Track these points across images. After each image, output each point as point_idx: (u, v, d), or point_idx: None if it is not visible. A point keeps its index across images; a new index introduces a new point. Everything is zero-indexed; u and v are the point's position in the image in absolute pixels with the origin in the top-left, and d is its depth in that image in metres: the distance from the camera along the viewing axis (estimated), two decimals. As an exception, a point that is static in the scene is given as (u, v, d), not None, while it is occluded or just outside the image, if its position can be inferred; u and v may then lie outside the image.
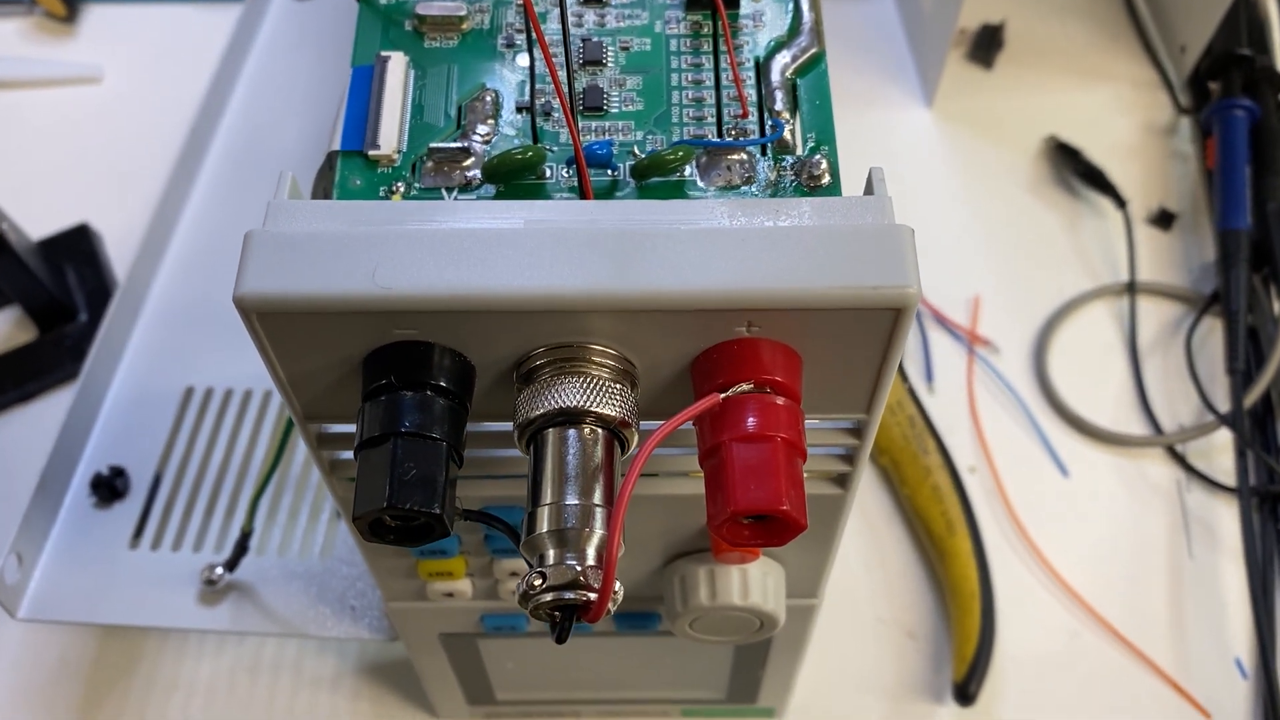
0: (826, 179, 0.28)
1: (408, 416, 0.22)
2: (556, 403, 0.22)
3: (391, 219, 0.23)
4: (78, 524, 0.41)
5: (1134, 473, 0.49)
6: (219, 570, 0.39)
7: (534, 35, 0.29)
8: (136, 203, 0.53)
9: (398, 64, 0.30)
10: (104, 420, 0.43)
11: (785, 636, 0.36)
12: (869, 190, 0.24)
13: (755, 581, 0.31)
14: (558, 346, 0.23)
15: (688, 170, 0.28)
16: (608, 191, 0.28)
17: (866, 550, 0.47)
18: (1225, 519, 0.48)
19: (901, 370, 0.49)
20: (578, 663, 0.39)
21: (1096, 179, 0.55)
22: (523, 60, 0.30)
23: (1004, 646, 0.44)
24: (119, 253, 0.54)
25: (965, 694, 0.42)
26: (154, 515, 0.41)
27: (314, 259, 0.22)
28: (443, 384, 0.23)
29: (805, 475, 0.27)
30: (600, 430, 0.23)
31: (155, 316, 0.46)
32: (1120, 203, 0.54)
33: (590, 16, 0.31)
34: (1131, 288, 0.53)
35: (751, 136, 0.29)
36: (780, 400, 0.23)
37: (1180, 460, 0.49)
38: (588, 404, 0.22)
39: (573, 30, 0.31)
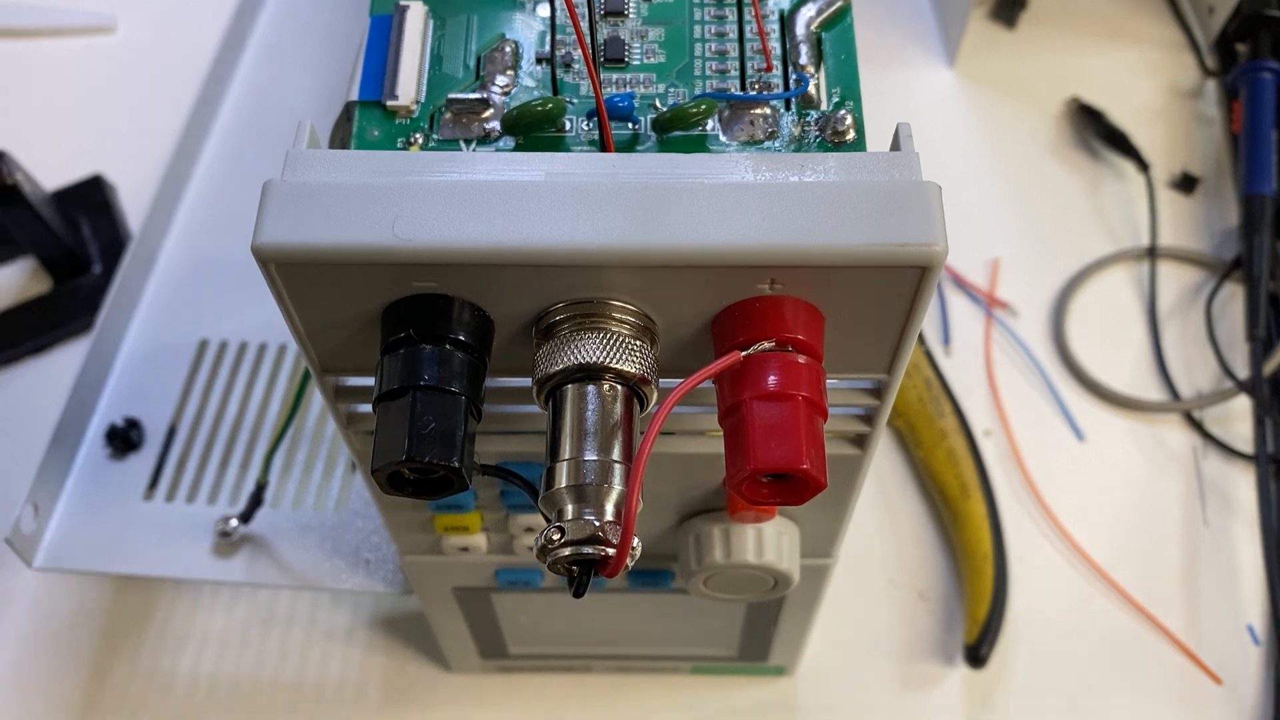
0: (851, 135, 0.28)
1: (427, 370, 0.22)
2: (576, 358, 0.22)
3: (411, 169, 0.23)
4: (93, 475, 0.41)
5: (1150, 438, 0.48)
6: (234, 522, 0.39)
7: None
8: (150, 154, 0.52)
9: (416, 13, 0.30)
10: (118, 372, 0.43)
11: (798, 596, 0.36)
12: (895, 146, 0.24)
13: (770, 540, 0.31)
14: (578, 302, 0.23)
15: (710, 124, 0.28)
16: (629, 144, 0.28)
17: (879, 512, 0.47)
18: (1241, 486, 0.47)
19: (919, 334, 0.49)
20: (590, 618, 0.39)
21: (1119, 142, 0.54)
22: (543, 10, 0.30)
23: (1016, 610, 0.44)
24: (133, 204, 0.54)
25: (976, 656, 0.42)
26: (168, 467, 0.41)
27: (333, 209, 0.22)
28: (462, 338, 0.23)
29: (825, 434, 0.27)
30: (619, 387, 0.23)
31: (169, 269, 0.46)
32: (1143, 166, 0.54)
33: (612, -33, 0.31)
34: (1152, 252, 0.52)
35: (775, 91, 0.28)
36: (802, 359, 0.22)
37: (1197, 426, 0.48)
38: (607, 360, 0.22)
39: (594, -20, 0.30)
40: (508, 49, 0.29)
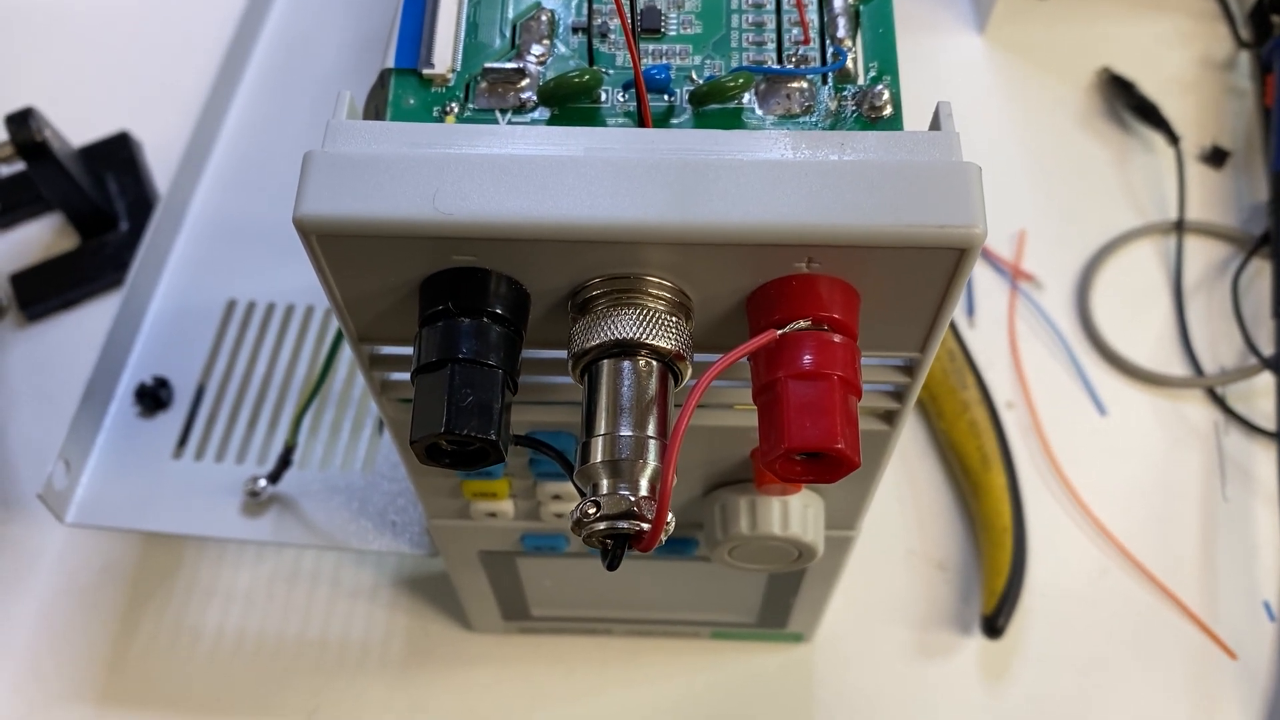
0: (888, 110, 0.28)
1: (465, 343, 0.22)
2: (612, 334, 0.22)
3: (451, 142, 0.23)
4: (123, 433, 0.41)
5: (1172, 413, 0.49)
6: (262, 482, 0.39)
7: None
8: (177, 111, 0.52)
9: (452, -20, 0.29)
10: (147, 331, 0.44)
11: (819, 567, 0.36)
12: (935, 125, 0.24)
13: (795, 512, 0.31)
14: (614, 278, 0.23)
15: (746, 98, 0.28)
16: (664, 117, 0.28)
17: (900, 482, 0.48)
18: (1262, 463, 0.47)
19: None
20: (613, 583, 0.40)
21: (1149, 113, 0.54)
22: (580, -22, 0.30)
23: (1033, 582, 0.45)
24: (159, 162, 0.54)
25: (993, 627, 0.43)
26: (197, 426, 0.42)
27: (374, 181, 0.22)
28: (499, 311, 0.23)
29: (860, 408, 0.27)
30: (655, 362, 0.23)
31: (197, 229, 0.46)
32: (1173, 139, 0.53)
33: (649, -64, 0.30)
34: (1180, 226, 0.52)
35: (812, 64, 0.28)
36: (837, 338, 0.22)
37: (1219, 402, 0.48)
38: (643, 336, 0.22)
39: (631, -51, 0.30)
40: (544, 18, 0.29)
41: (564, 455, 0.26)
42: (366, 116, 0.30)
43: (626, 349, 0.23)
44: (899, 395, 0.27)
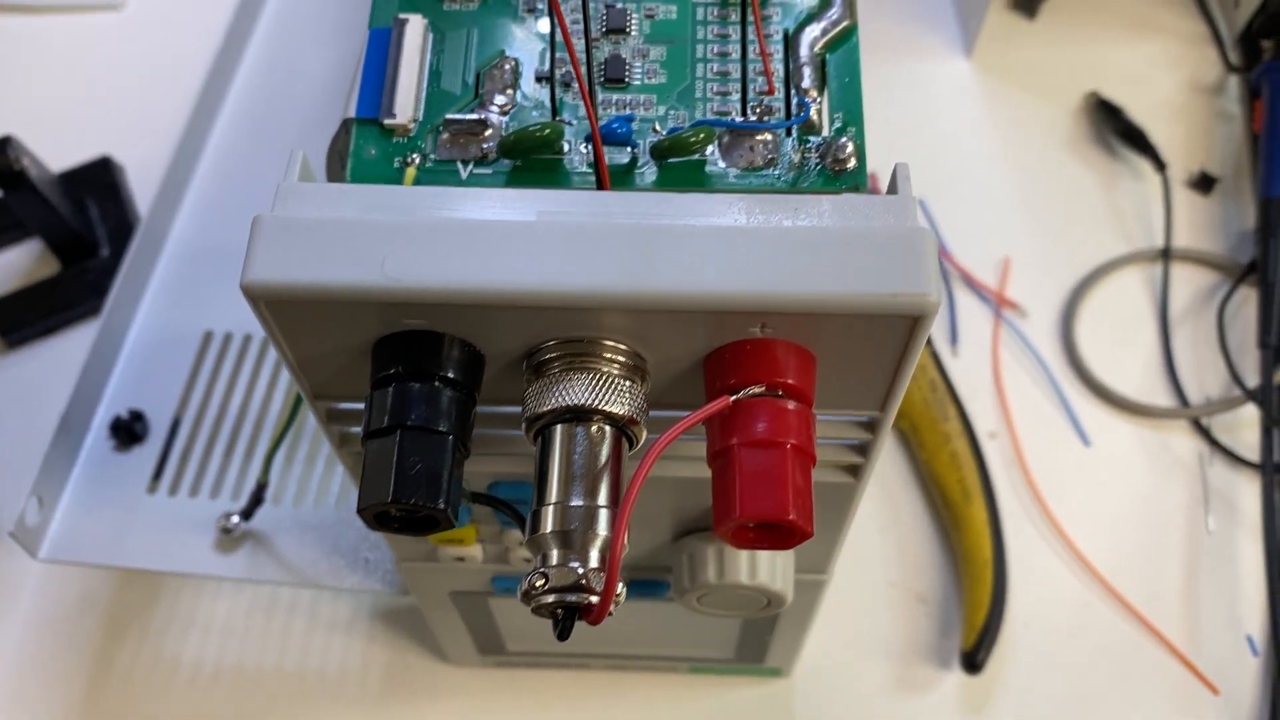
0: (852, 163, 0.27)
1: (414, 409, 0.22)
2: (565, 400, 0.22)
3: (403, 206, 0.23)
4: (97, 467, 0.41)
5: (1156, 444, 0.48)
6: (235, 519, 0.39)
7: (569, 6, 0.28)
8: (159, 135, 0.52)
9: (415, 27, 0.29)
10: (123, 363, 0.43)
11: (793, 609, 0.36)
12: (893, 188, 0.24)
13: (764, 561, 0.31)
14: (568, 340, 0.23)
15: (709, 149, 0.27)
16: (627, 169, 0.27)
17: (881, 513, 0.47)
18: (1246, 495, 0.47)
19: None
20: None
21: (1137, 139, 0.53)
22: (544, 25, 0.30)
23: (1014, 614, 0.44)
24: (141, 186, 0.54)
25: (973, 663, 0.42)
26: (172, 460, 0.42)
27: (323, 246, 0.22)
28: (451, 375, 0.23)
29: (818, 463, 0.27)
30: (608, 428, 0.23)
31: (175, 258, 0.46)
32: (1160, 165, 0.53)
33: (615, -20, 0.30)
34: (1166, 254, 0.51)
35: (777, 114, 0.28)
36: (791, 404, 0.22)
37: (1204, 433, 0.48)
38: (596, 402, 0.22)
39: (596, -4, 0.30)
40: (508, 66, 0.29)
41: (521, 514, 0.25)
42: (330, 164, 0.30)
43: (579, 414, 0.22)
44: (863, 449, 0.27)
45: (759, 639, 0.40)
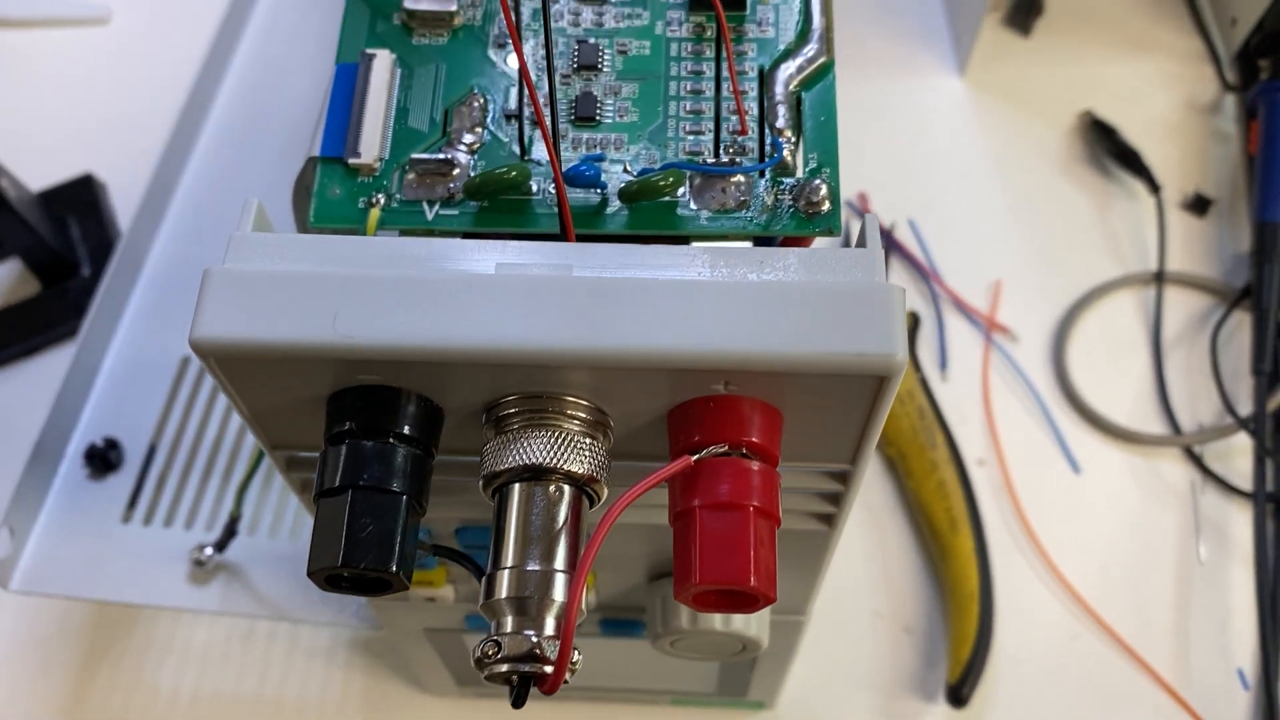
0: (826, 206, 0.27)
1: (367, 469, 0.21)
2: (523, 459, 0.22)
3: (358, 258, 0.22)
4: (71, 496, 0.41)
5: (1148, 472, 0.48)
6: (208, 551, 0.39)
7: (545, 33, 0.27)
8: (143, 152, 0.52)
9: (383, 63, 0.29)
10: (99, 390, 0.43)
11: (772, 648, 0.35)
12: (861, 240, 0.23)
13: (739, 605, 0.30)
14: (528, 396, 0.22)
15: (681, 191, 0.27)
16: (597, 210, 0.27)
17: (868, 542, 0.47)
18: (1238, 524, 0.46)
19: (914, 359, 0.48)
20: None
21: (1131, 160, 0.53)
22: (515, 61, 0.29)
23: (1001, 645, 0.44)
24: (124, 203, 0.53)
25: (958, 697, 0.42)
26: (147, 489, 0.41)
27: (273, 301, 0.21)
28: (406, 431, 0.22)
29: (790, 512, 0.27)
30: (567, 487, 0.22)
31: (154, 281, 0.46)
32: (1154, 187, 0.52)
33: (588, 14, 0.29)
34: (1160, 277, 0.51)
35: (751, 155, 0.27)
36: (755, 465, 0.22)
37: (1197, 461, 0.47)
38: (555, 461, 0.22)
39: (569, 30, 0.29)
40: (477, 103, 0.28)
41: (480, 567, 0.25)
42: (296, 200, 0.29)
43: (538, 473, 0.22)
44: (836, 498, 0.27)
45: (740, 674, 0.39)
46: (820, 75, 0.28)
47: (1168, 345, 0.50)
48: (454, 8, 0.29)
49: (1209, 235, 0.53)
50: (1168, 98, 0.56)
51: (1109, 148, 0.53)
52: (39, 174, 0.53)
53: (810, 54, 0.28)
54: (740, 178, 0.27)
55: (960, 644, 0.43)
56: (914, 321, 0.49)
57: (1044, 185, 0.54)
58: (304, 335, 0.21)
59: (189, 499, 0.41)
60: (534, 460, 0.22)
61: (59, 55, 0.58)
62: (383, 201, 0.27)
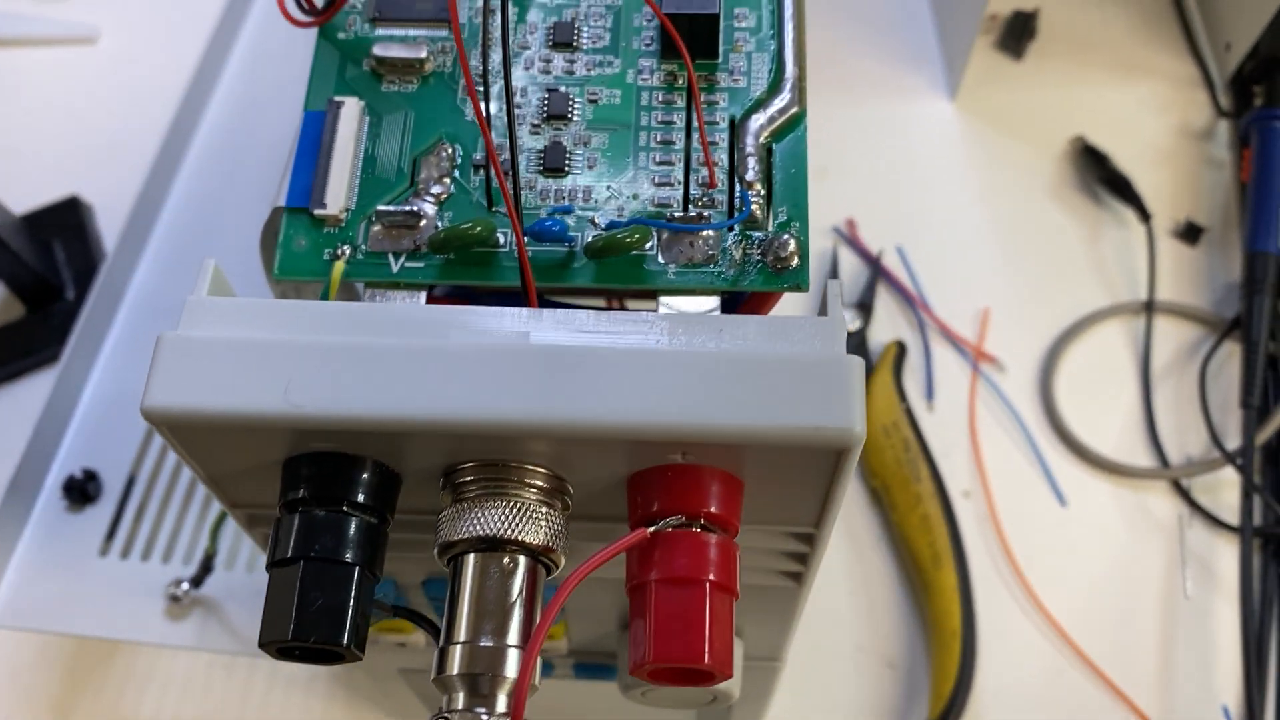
0: (795, 261, 0.26)
1: (319, 539, 0.21)
2: (478, 530, 0.21)
3: (312, 323, 0.22)
4: (48, 528, 0.40)
5: (1134, 504, 0.47)
6: (185, 586, 0.38)
7: (506, 96, 0.27)
8: (129, 174, 0.51)
9: (351, 111, 0.28)
10: (79, 420, 0.43)
11: (747, 693, 0.35)
12: (824, 309, 0.23)
13: (709, 656, 0.30)
14: (485, 464, 0.22)
15: (649, 244, 0.27)
16: (564, 263, 0.27)
17: (851, 574, 0.46)
18: (1225, 558, 0.46)
19: (900, 390, 0.48)
20: (545, 693, 0.39)
21: (1122, 188, 0.52)
22: (484, 109, 0.29)
23: (984, 680, 0.44)
24: (111, 226, 0.53)
25: (939, 734, 0.41)
26: (125, 522, 0.41)
27: (225, 370, 0.21)
28: (360, 499, 0.22)
29: (757, 569, 0.26)
30: (523, 558, 0.22)
31: (136, 309, 0.45)
32: (1145, 216, 0.52)
33: (559, 61, 0.29)
34: (1149, 307, 0.50)
35: (719, 208, 0.27)
36: (713, 538, 0.21)
37: (1184, 494, 0.47)
38: (511, 533, 0.21)
39: (540, 77, 0.29)
40: (445, 153, 0.28)
41: (438, 627, 0.25)
42: (264, 246, 0.29)
43: (493, 544, 0.22)
44: (802, 558, 0.26)
45: (719, 715, 0.39)
46: (791, 126, 0.28)
47: (1156, 376, 0.50)
48: (424, 54, 0.29)
49: (1200, 264, 0.52)
50: (1161, 123, 0.56)
51: (1100, 174, 0.53)
52: (26, 195, 0.52)
53: (782, 104, 0.28)
54: (709, 231, 0.26)
55: (942, 680, 0.42)
56: (900, 350, 0.49)
57: (1034, 212, 0.53)
58: (255, 405, 0.21)
59: (167, 532, 0.41)
60: (489, 532, 0.21)
61: (47, 75, 0.58)
62: (348, 253, 0.27)
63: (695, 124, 0.28)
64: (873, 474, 0.47)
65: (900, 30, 0.58)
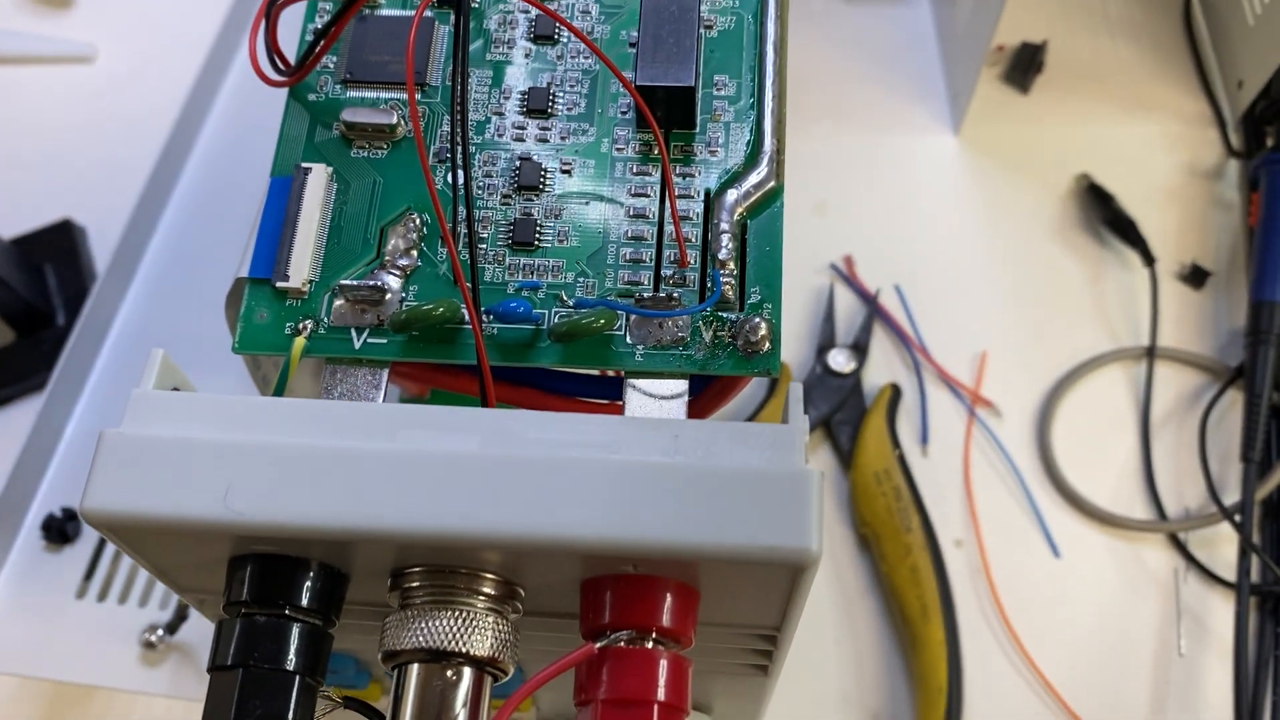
0: (766, 346, 0.26)
1: (259, 646, 0.21)
2: (422, 641, 0.21)
3: (259, 423, 0.22)
4: (26, 567, 0.40)
5: (1130, 557, 0.46)
6: (160, 633, 0.38)
7: (482, 159, 0.26)
8: (123, 197, 0.51)
9: (318, 179, 0.28)
10: (60, 458, 0.42)
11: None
12: (786, 415, 0.22)
13: (678, 733, 0.30)
14: (433, 569, 0.22)
15: (617, 324, 0.26)
16: (529, 342, 0.26)
17: (839, 622, 0.46)
18: (1220, 614, 0.45)
19: (894, 435, 0.47)
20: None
21: (1127, 230, 0.51)
22: (459, 176, 0.28)
23: (971, 737, 0.43)
24: (104, 250, 0.53)
25: (921, 793, 0.41)
26: (103, 564, 0.41)
27: (166, 473, 0.21)
28: (303, 603, 0.21)
29: (721, 659, 0.26)
30: (468, 669, 0.21)
31: (121, 344, 0.45)
32: (1149, 259, 0.51)
33: (533, 129, 0.29)
34: (1151, 353, 0.49)
35: (691, 286, 0.27)
36: (664, 654, 0.21)
37: (1181, 548, 0.46)
38: (457, 645, 0.21)
39: (512, 145, 0.28)
40: (413, 223, 0.27)
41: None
42: (228, 310, 0.28)
43: (438, 655, 0.21)
44: (766, 653, 0.26)
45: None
46: (768, 202, 0.27)
47: (1156, 424, 0.48)
48: (394, 120, 0.28)
49: (1205, 308, 0.51)
50: (1169, 161, 0.54)
51: (1104, 215, 0.52)
52: (19, 217, 0.52)
53: (758, 179, 0.27)
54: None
55: (926, 738, 0.42)
56: (895, 394, 0.48)
57: (1036, 251, 0.52)
58: (194, 510, 0.20)
59: (144, 575, 0.40)
60: (434, 644, 0.21)
61: (45, 92, 0.57)
62: (309, 328, 0.26)
63: (668, 200, 0.27)
64: (863, 522, 0.46)
65: (903, 60, 0.57)
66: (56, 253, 0.52)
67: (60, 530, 0.41)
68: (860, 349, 0.49)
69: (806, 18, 0.60)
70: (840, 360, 0.49)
